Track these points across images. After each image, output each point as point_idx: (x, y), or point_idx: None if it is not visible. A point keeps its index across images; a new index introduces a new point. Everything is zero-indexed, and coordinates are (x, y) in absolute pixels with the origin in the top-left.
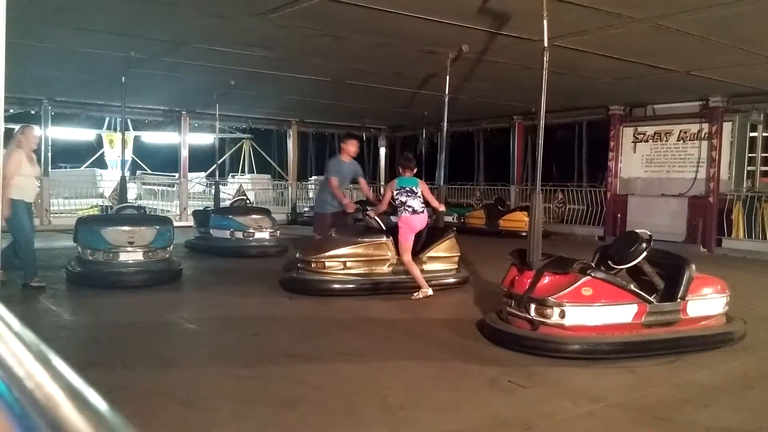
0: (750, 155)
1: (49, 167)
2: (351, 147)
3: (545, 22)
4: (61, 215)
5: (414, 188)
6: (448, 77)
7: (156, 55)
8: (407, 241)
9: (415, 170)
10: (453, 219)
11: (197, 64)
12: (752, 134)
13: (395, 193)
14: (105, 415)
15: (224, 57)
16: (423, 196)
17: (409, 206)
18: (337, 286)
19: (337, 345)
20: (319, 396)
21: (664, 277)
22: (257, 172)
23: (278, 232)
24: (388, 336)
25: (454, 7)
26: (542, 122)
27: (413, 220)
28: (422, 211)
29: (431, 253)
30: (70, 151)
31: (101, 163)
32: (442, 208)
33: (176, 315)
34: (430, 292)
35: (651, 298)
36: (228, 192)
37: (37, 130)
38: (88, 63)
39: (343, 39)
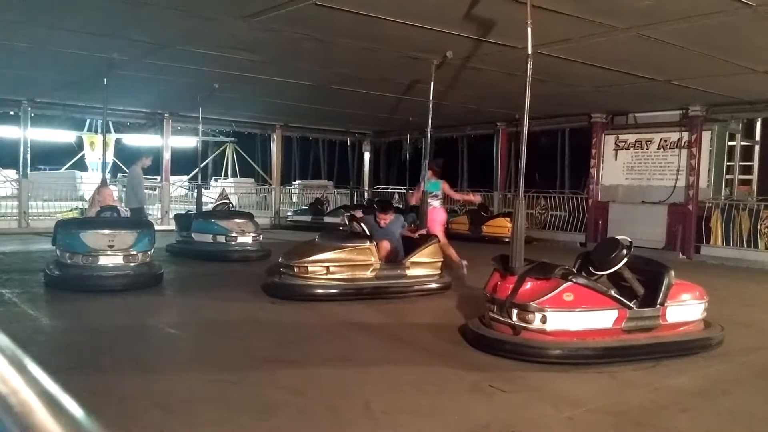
0: (728, 164)
1: (28, 169)
2: (381, 220)
3: (529, 30)
4: (40, 218)
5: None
6: (432, 83)
7: (139, 57)
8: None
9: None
10: None
11: (180, 66)
12: (731, 143)
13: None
14: (80, 422)
15: (208, 59)
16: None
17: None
18: (320, 290)
19: (319, 350)
20: (301, 401)
21: (644, 283)
22: (240, 176)
23: (261, 236)
24: (370, 341)
25: (440, 13)
26: (525, 129)
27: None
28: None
29: (414, 258)
30: (49, 153)
31: (82, 166)
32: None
33: (156, 319)
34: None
35: (631, 304)
36: (211, 196)
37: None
38: (69, 64)
39: (328, 43)
